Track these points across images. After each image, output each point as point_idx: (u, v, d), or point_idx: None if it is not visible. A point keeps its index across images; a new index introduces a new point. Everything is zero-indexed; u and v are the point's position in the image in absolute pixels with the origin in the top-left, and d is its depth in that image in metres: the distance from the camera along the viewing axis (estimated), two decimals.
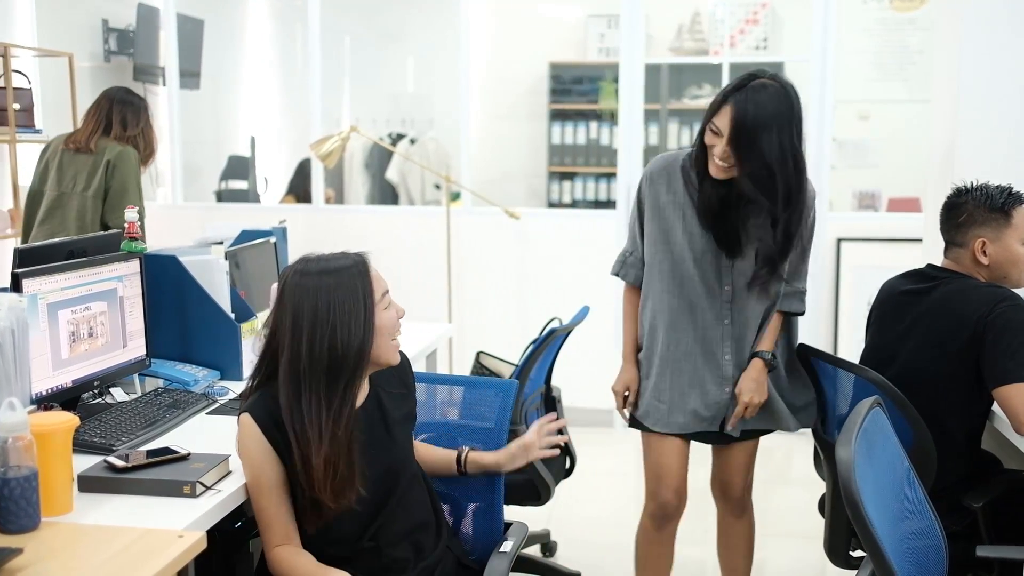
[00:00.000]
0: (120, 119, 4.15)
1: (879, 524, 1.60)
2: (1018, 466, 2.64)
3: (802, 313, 2.63)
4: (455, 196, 5.63)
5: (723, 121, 2.33)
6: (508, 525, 2.24)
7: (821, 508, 2.77)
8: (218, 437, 2.19)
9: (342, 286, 1.83)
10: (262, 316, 2.89)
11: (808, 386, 2.69)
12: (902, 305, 2.59)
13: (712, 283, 2.51)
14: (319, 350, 1.80)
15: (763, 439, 2.74)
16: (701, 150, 2.44)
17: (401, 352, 2.02)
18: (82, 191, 4.08)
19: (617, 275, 2.68)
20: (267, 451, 1.86)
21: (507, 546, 2.10)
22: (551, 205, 7.48)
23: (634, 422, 2.69)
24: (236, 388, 2.54)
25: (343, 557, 1.91)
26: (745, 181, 2.34)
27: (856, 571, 2.57)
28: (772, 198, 2.34)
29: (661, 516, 2.68)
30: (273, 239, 3.28)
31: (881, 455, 1.81)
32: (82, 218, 4.09)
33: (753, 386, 2.53)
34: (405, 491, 2.01)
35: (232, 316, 2.66)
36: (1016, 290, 2.48)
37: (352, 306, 1.82)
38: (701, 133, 2.41)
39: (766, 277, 2.48)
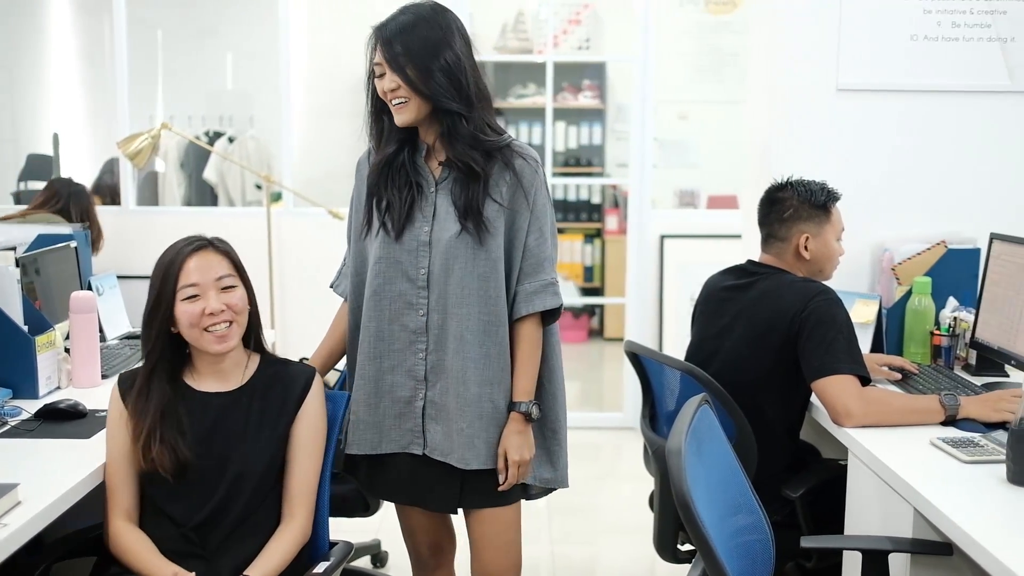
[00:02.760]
0: None
1: (709, 522, 1.59)
2: (835, 455, 2.73)
3: (559, 308, 2.16)
4: (276, 196, 5.43)
5: (379, 56, 2.09)
6: (333, 544, 2.14)
7: (651, 503, 2.78)
8: (8, 464, 1.99)
9: (158, 269, 2.02)
10: (60, 328, 2.67)
11: (556, 433, 2.22)
12: (723, 301, 2.63)
13: (407, 266, 2.12)
14: (146, 316, 2.02)
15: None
16: (376, 118, 2.18)
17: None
18: None
19: (332, 287, 2.36)
20: (119, 413, 2.02)
21: (321, 567, 2.00)
22: None
23: (347, 462, 2.25)
24: (30, 407, 2.32)
25: (170, 550, 1.96)
26: (425, 94, 2.06)
27: (685, 565, 2.65)
28: (453, 99, 2.06)
29: (423, 571, 2.35)
30: (74, 244, 3.05)
31: (710, 453, 1.80)
32: None
33: (519, 441, 2.12)
34: (248, 500, 2.00)
35: (25, 328, 2.44)
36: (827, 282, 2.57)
37: (161, 286, 2.00)
38: (372, 95, 2.16)
39: (474, 233, 2.08)
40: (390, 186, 2.15)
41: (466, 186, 2.10)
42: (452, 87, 2.07)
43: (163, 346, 2.01)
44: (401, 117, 2.10)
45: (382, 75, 2.10)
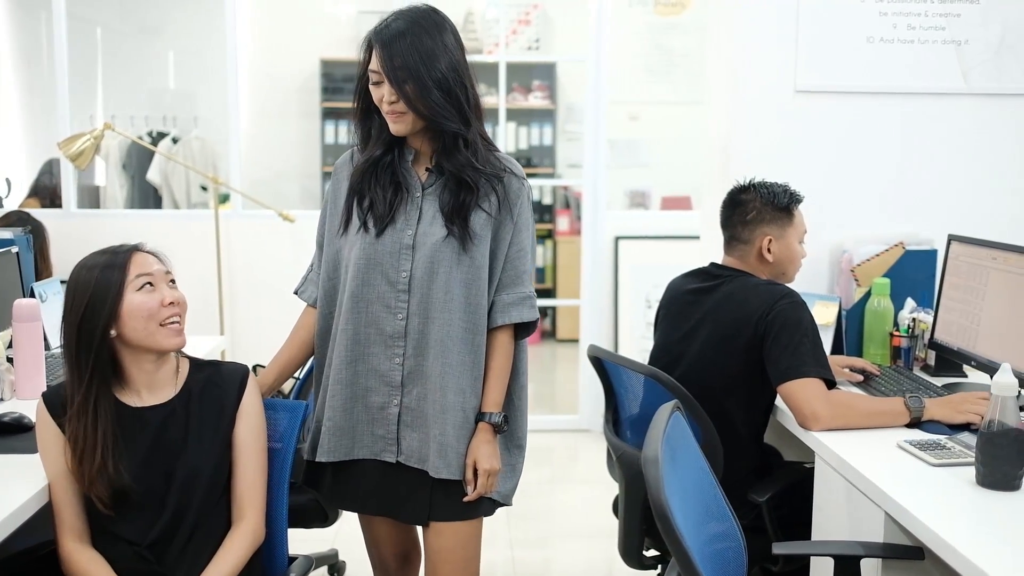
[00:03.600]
0: None
1: (686, 532, 1.56)
2: (797, 458, 2.72)
3: (535, 321, 2.14)
4: (224, 198, 5.32)
5: (376, 63, 2.02)
6: (292, 559, 2.08)
7: (615, 509, 2.76)
8: None
9: (97, 269, 1.90)
10: (3, 336, 2.57)
11: (519, 448, 2.21)
12: (687, 304, 2.61)
13: (388, 267, 2.06)
14: (72, 329, 1.89)
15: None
16: (364, 117, 2.12)
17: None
18: None
19: (297, 294, 2.27)
20: (53, 434, 1.91)
21: None
22: None
23: (308, 472, 2.18)
24: None
25: (126, 569, 1.89)
26: (424, 114, 2.01)
27: (648, 570, 2.62)
28: (452, 119, 2.03)
29: None
30: (15, 249, 2.93)
31: (683, 461, 1.77)
32: None
33: (488, 450, 2.07)
34: (199, 507, 1.93)
35: None
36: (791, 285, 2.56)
37: (99, 287, 1.88)
38: (361, 94, 2.09)
39: (460, 238, 2.05)
40: (374, 184, 2.09)
41: (456, 193, 2.06)
42: (451, 105, 2.04)
43: (100, 357, 1.89)
44: (397, 127, 2.06)
45: (379, 83, 2.05)
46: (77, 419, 1.88)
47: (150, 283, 1.92)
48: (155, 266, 1.95)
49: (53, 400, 1.94)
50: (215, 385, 2.01)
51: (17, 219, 4.11)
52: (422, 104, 2.01)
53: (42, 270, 4.03)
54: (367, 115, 2.12)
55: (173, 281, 1.98)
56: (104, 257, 1.93)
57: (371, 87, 2.06)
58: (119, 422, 1.91)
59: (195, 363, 2.05)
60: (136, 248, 1.97)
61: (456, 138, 2.06)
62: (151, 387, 1.96)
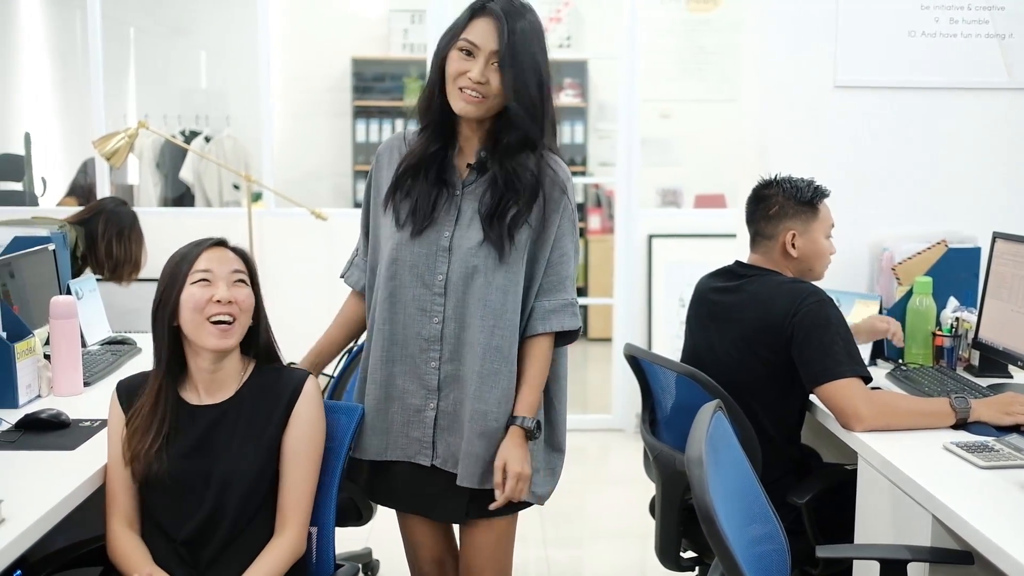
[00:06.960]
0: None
1: (730, 534, 1.53)
2: (837, 459, 2.68)
3: (577, 330, 2.08)
4: (256, 197, 5.34)
5: (481, 35, 1.93)
6: (339, 567, 2.05)
7: (652, 510, 2.72)
8: None
9: (174, 260, 1.97)
10: (40, 333, 2.57)
11: (559, 450, 2.20)
12: (713, 304, 2.56)
13: (423, 270, 2.00)
14: (152, 315, 1.96)
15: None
16: (438, 87, 1.99)
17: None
18: None
19: (343, 278, 2.24)
20: (118, 419, 1.97)
21: None
22: (358, 205, 7.26)
23: (350, 465, 2.13)
24: (10, 417, 2.22)
25: (162, 566, 1.89)
26: (512, 106, 1.94)
27: (685, 572, 2.59)
28: (535, 119, 1.97)
29: None
30: (51, 246, 2.95)
31: (726, 461, 1.75)
32: None
33: (519, 454, 2.01)
34: (237, 513, 1.92)
35: (3, 335, 2.34)
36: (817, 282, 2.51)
37: (170, 278, 1.94)
38: (440, 65, 1.98)
39: (497, 243, 1.98)
40: (421, 180, 2.02)
41: (499, 197, 1.98)
42: (539, 111, 1.97)
43: (168, 348, 1.94)
44: (470, 109, 1.95)
45: (471, 55, 1.93)
46: (143, 400, 1.94)
47: (207, 279, 1.93)
48: (223, 265, 1.95)
49: (123, 389, 2.01)
50: (269, 391, 1.99)
51: (106, 202, 3.77)
52: (520, 95, 1.92)
53: (139, 259, 3.50)
54: (436, 94, 1.99)
55: (243, 282, 1.97)
56: (186, 248, 1.98)
57: (456, 56, 1.94)
58: (175, 416, 1.94)
59: (260, 367, 2.03)
60: (216, 243, 1.99)
61: (526, 141, 1.98)
62: (209, 386, 1.97)
